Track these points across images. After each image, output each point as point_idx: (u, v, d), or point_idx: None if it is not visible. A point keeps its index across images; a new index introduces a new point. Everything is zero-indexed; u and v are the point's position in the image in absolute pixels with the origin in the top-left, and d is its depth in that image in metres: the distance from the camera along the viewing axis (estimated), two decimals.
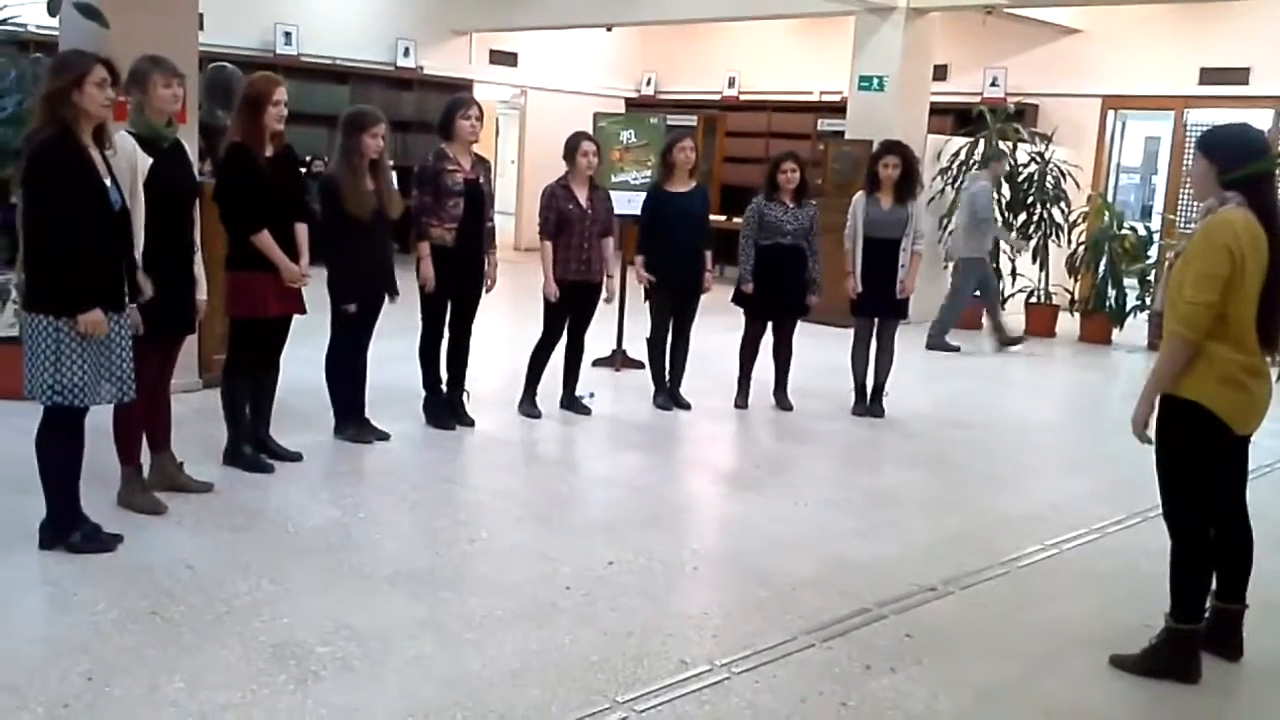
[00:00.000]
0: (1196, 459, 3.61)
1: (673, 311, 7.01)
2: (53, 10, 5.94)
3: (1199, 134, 3.72)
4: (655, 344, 7.13)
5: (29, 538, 4.16)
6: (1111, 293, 10.83)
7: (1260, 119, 11.60)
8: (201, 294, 4.80)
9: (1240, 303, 3.46)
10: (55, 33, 6.27)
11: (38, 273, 3.97)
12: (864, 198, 7.08)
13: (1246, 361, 3.51)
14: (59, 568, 4.04)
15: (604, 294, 6.67)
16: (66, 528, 4.15)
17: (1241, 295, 3.45)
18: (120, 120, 4.61)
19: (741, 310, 7.20)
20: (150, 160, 4.46)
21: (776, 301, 7.07)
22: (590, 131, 8.19)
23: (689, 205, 6.93)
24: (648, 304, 7.08)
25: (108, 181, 4.03)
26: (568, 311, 6.54)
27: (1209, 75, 12.05)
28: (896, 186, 7.00)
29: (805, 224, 6.98)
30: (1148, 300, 10.60)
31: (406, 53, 14.57)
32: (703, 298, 7.05)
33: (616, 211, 8.47)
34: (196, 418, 5.73)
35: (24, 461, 4.20)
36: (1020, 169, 11.35)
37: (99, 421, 4.35)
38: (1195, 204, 4.24)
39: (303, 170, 5.68)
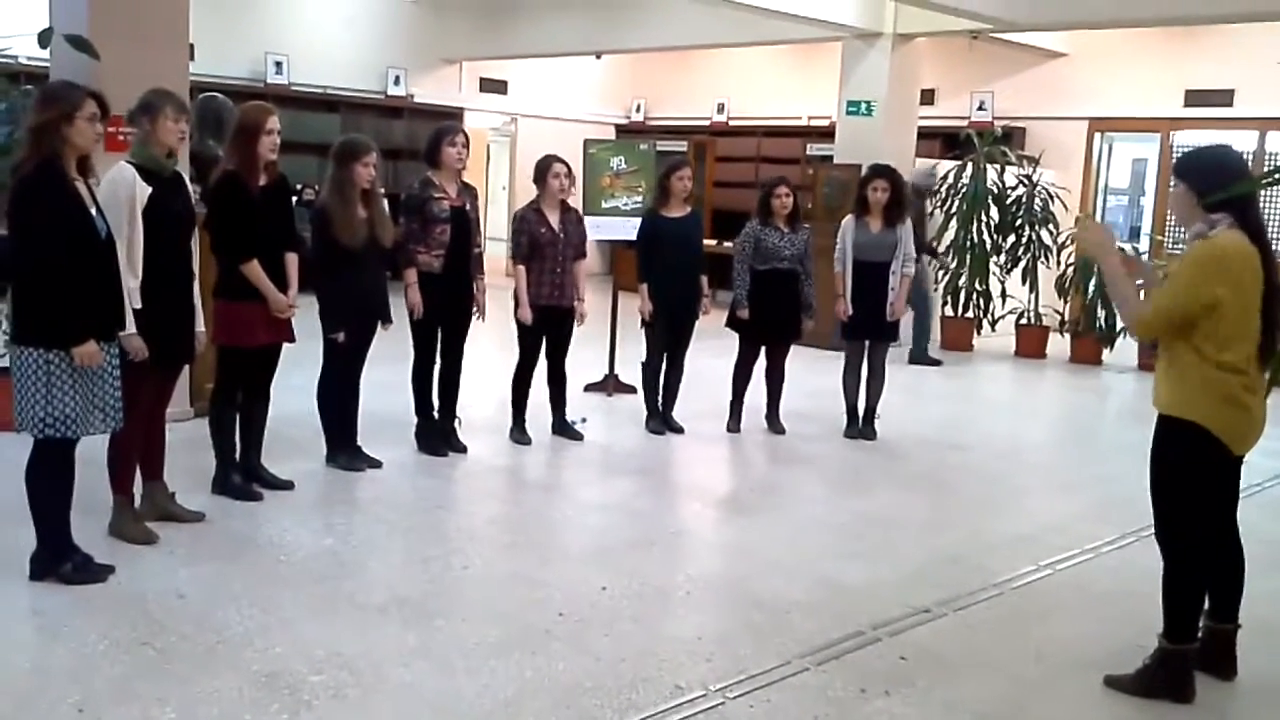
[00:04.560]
0: (1193, 479, 3.61)
1: (668, 336, 7.02)
2: (43, 42, 5.96)
3: (1176, 159, 3.73)
4: (650, 369, 7.14)
5: (20, 568, 4.14)
6: (1101, 313, 10.87)
7: (1245, 140, 11.72)
8: (199, 324, 4.81)
9: (1236, 323, 3.46)
10: (46, 64, 6.29)
11: (26, 305, 3.96)
12: (853, 221, 7.12)
13: (1245, 380, 3.51)
14: (50, 598, 4.02)
15: (578, 318, 6.59)
16: (58, 558, 4.13)
17: (1237, 316, 3.46)
18: (112, 151, 4.62)
19: (735, 334, 7.21)
20: (150, 190, 4.47)
21: (773, 326, 7.08)
22: (581, 157, 8.26)
23: (684, 230, 6.98)
24: (644, 329, 7.08)
25: (93, 210, 4.03)
26: (542, 336, 6.54)
27: (1194, 97, 12.15)
28: (885, 210, 7.04)
29: (800, 248, 7.02)
30: None
31: (397, 81, 14.64)
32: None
33: (608, 238, 8.52)
34: (188, 447, 5.71)
35: (15, 492, 4.18)
36: (1009, 191, 11.42)
37: (90, 451, 4.34)
38: (1182, 229, 4.27)
39: (294, 199, 5.68)
